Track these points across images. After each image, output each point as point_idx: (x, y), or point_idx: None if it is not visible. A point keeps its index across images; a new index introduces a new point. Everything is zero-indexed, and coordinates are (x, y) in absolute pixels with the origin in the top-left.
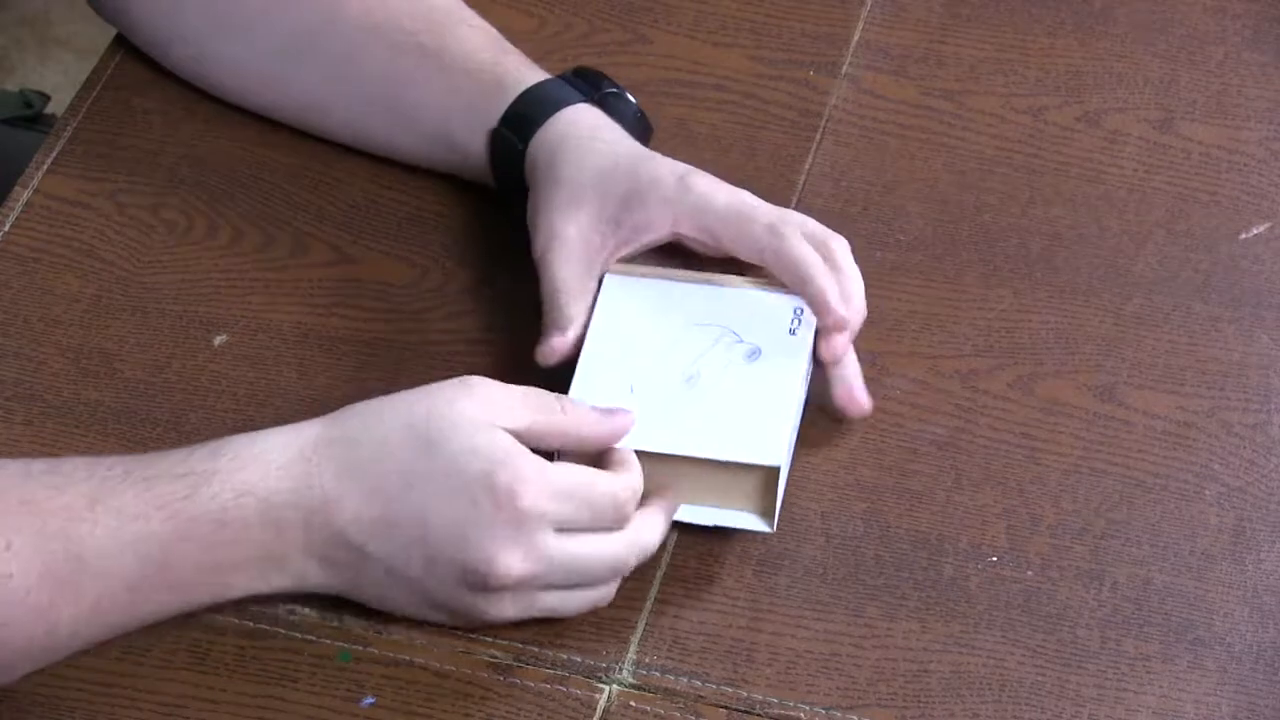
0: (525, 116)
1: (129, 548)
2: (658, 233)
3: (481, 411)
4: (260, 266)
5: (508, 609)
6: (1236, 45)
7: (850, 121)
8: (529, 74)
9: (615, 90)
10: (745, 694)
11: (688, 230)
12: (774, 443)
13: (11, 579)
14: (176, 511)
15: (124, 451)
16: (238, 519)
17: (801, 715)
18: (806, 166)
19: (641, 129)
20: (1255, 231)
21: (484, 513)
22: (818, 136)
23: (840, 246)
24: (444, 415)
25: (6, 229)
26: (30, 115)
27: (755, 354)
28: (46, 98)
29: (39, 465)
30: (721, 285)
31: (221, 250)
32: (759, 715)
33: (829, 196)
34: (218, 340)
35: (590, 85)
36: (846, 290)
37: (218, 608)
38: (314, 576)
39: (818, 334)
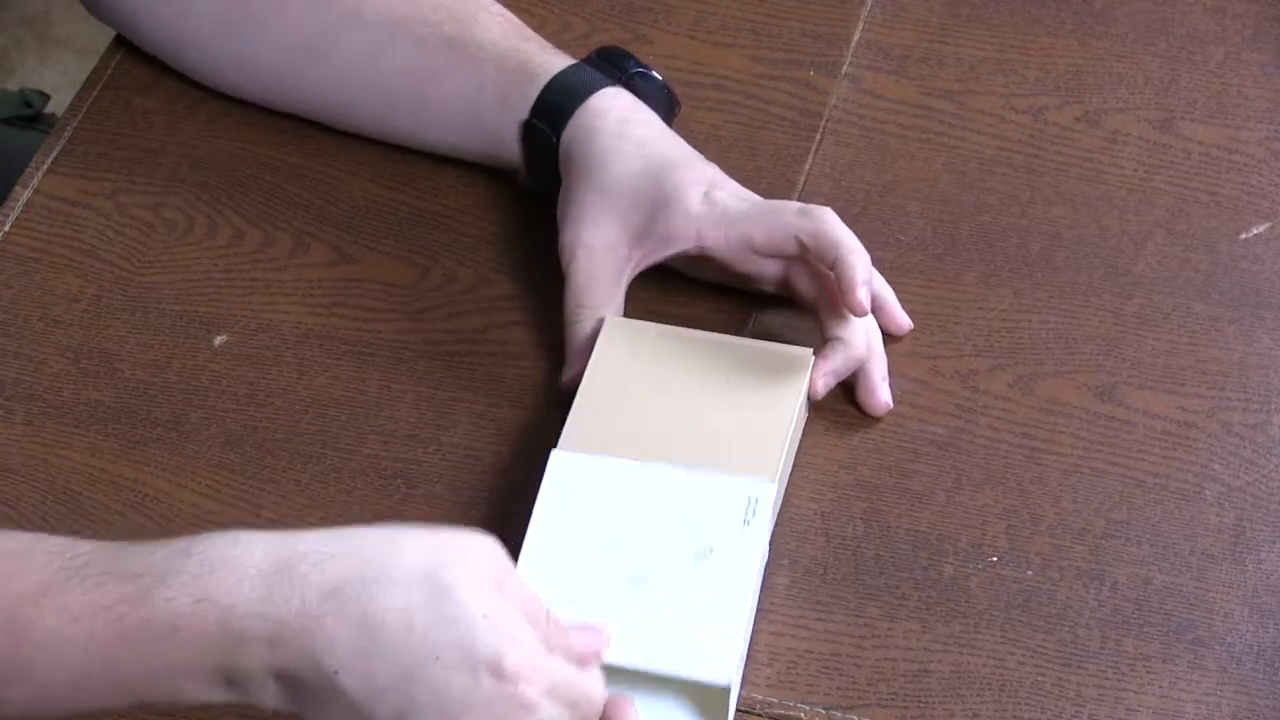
0: (556, 105)
1: (70, 645)
2: (683, 245)
3: (494, 573)
4: (260, 266)
5: None
6: (1236, 45)
7: (850, 121)
8: (555, 60)
9: (642, 69)
10: (745, 694)
11: (712, 241)
12: (725, 658)
13: None
14: (122, 615)
15: (123, 451)
16: (193, 626)
17: (801, 715)
18: (806, 166)
19: (669, 105)
20: (1255, 231)
21: (483, 692)
22: (818, 136)
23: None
24: (465, 567)
25: (6, 229)
26: (30, 115)
27: (705, 554)
28: (46, 97)
29: (10, 544)
30: (675, 466)
31: (221, 250)
32: (759, 715)
33: (829, 196)
34: (218, 340)
35: (616, 66)
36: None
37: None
38: (270, 699)
39: (843, 291)
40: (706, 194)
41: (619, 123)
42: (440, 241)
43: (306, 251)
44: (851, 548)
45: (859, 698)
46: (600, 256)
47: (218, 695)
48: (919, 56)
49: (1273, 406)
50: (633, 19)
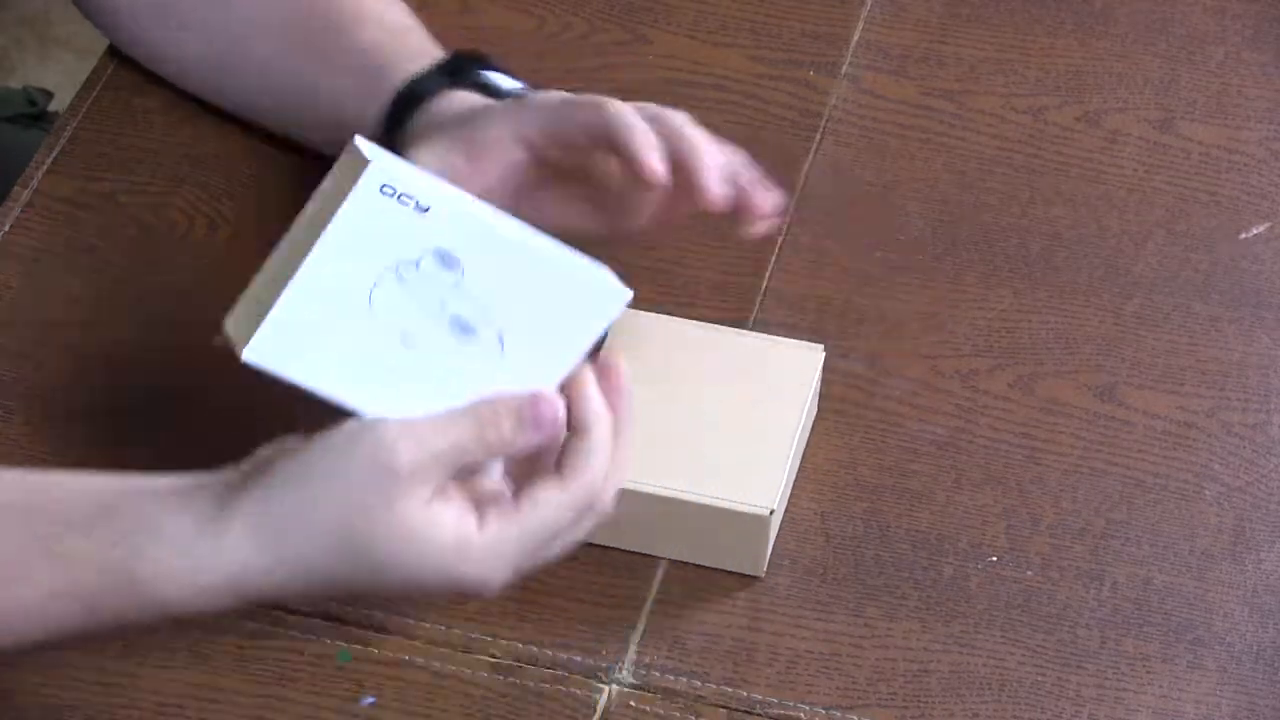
0: (401, 111)
1: (45, 616)
2: (506, 149)
3: (413, 509)
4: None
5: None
6: (1236, 45)
7: (850, 121)
8: (409, 67)
9: (492, 71)
10: (745, 694)
11: (535, 138)
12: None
13: None
14: (96, 607)
15: (123, 452)
16: (161, 616)
17: (801, 715)
18: (806, 166)
19: None
20: (1255, 231)
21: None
22: (818, 136)
23: (680, 116)
24: (385, 538)
25: (6, 229)
26: (35, 113)
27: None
28: (50, 95)
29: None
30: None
31: (221, 250)
32: (759, 715)
33: (829, 196)
34: (218, 340)
35: (460, 70)
36: (688, 149)
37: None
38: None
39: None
40: (520, 96)
41: (446, 108)
42: None
43: None
44: (851, 548)
45: (859, 698)
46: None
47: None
48: (919, 56)
49: (1273, 406)
50: (633, 19)
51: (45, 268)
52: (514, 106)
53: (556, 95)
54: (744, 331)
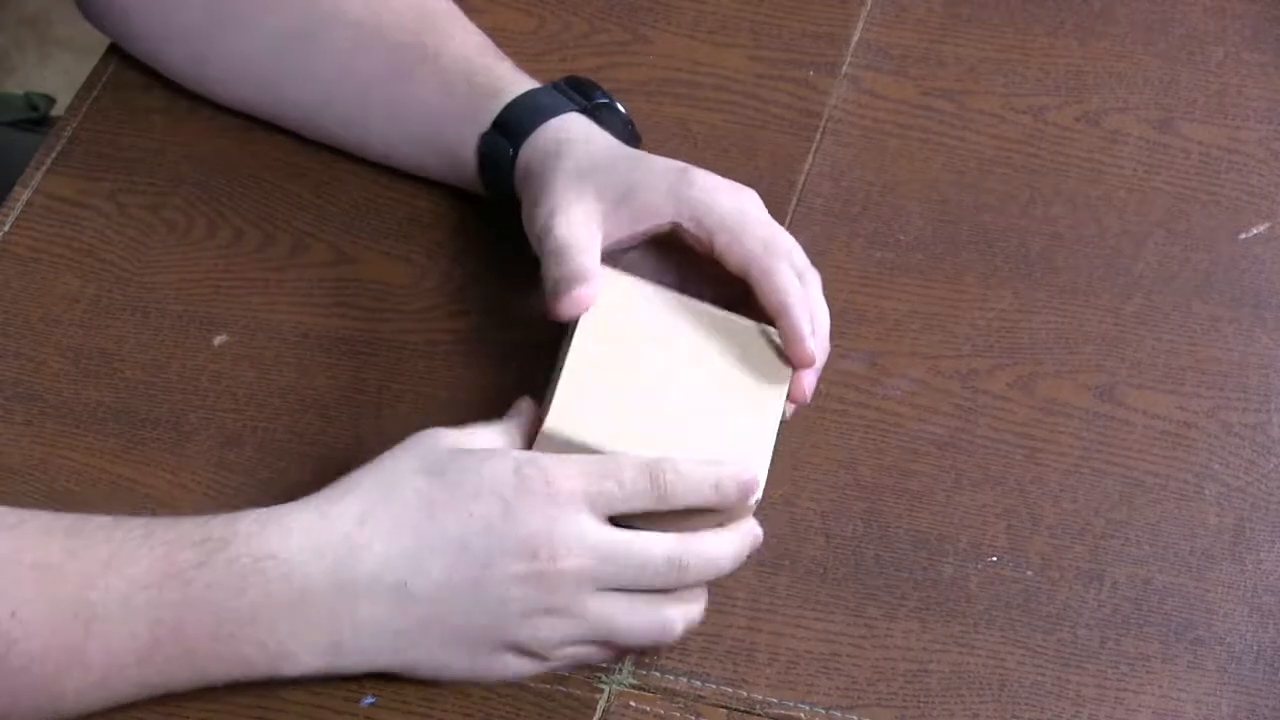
0: (517, 122)
1: (138, 614)
2: (659, 219)
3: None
4: (260, 266)
5: (562, 628)
6: (1236, 45)
7: (850, 121)
8: (522, 82)
9: (606, 100)
10: (745, 694)
11: (688, 223)
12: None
13: (16, 645)
14: (191, 579)
15: (123, 451)
16: (257, 584)
17: (801, 715)
18: (806, 166)
19: (630, 139)
20: (1255, 231)
21: (522, 501)
22: (818, 136)
23: (816, 281)
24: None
25: (6, 229)
26: (36, 118)
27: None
28: (51, 101)
29: (62, 523)
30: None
31: (221, 250)
32: (759, 715)
33: (829, 196)
34: (218, 340)
35: (582, 95)
36: (817, 326)
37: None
38: (349, 644)
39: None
40: (684, 171)
41: (584, 135)
42: (440, 241)
43: (306, 251)
44: (851, 548)
45: (859, 698)
46: (578, 214)
47: (287, 664)
48: (919, 56)
49: (1273, 406)
50: (633, 19)
51: (45, 268)
52: (680, 189)
53: (732, 203)
54: (738, 317)
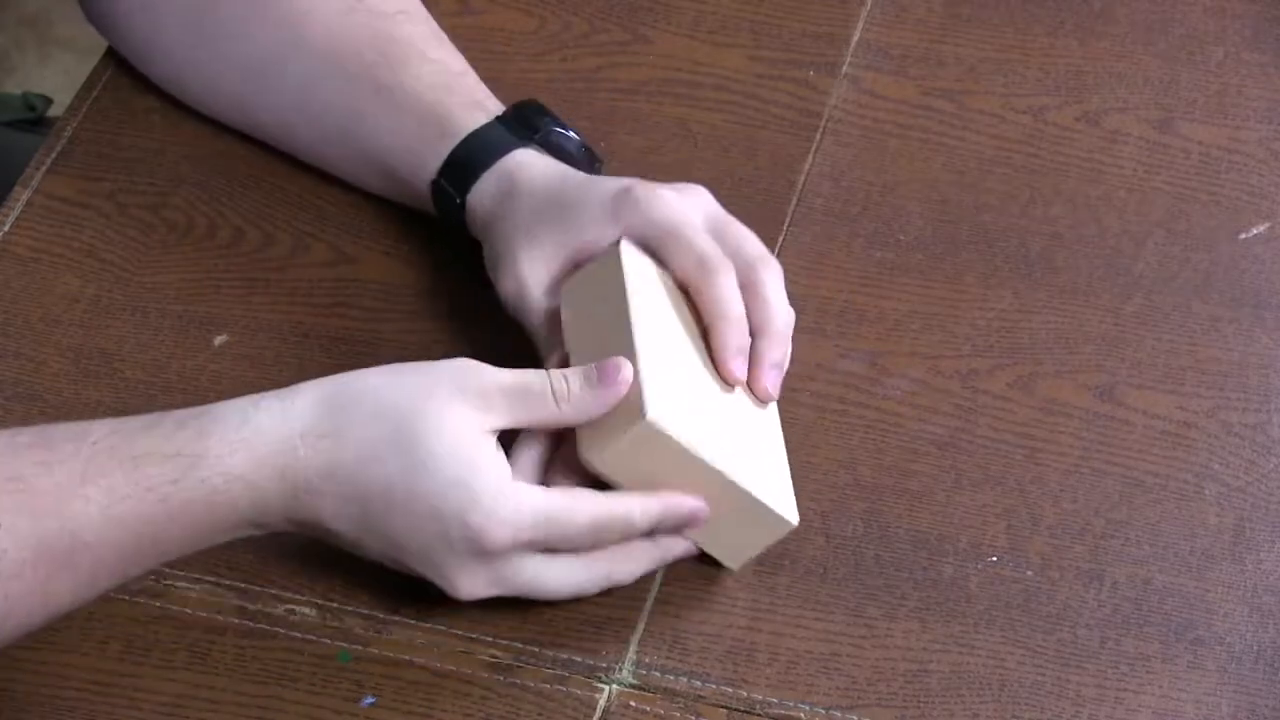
0: (462, 167)
1: (120, 524)
2: (603, 241)
3: (473, 419)
4: (260, 266)
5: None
6: (1236, 45)
7: (850, 121)
8: (469, 117)
9: (557, 128)
10: (745, 694)
11: (634, 240)
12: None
13: (6, 554)
14: (167, 495)
15: None
16: (226, 503)
17: (801, 715)
18: (806, 166)
19: (588, 162)
20: (1255, 231)
21: (453, 544)
22: (818, 136)
23: (770, 276)
24: (436, 431)
25: (6, 229)
26: (33, 118)
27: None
28: (49, 101)
29: (24, 437)
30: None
31: (221, 250)
32: (759, 715)
33: (829, 196)
34: (218, 340)
35: (529, 126)
36: (761, 322)
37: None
38: (288, 531)
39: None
40: (626, 189)
41: (527, 180)
42: (440, 242)
43: (306, 251)
44: (851, 548)
45: (859, 698)
46: (546, 286)
47: (240, 535)
48: (919, 56)
49: (1273, 406)
50: (633, 19)
51: (45, 268)
52: (621, 212)
53: (667, 216)
54: None
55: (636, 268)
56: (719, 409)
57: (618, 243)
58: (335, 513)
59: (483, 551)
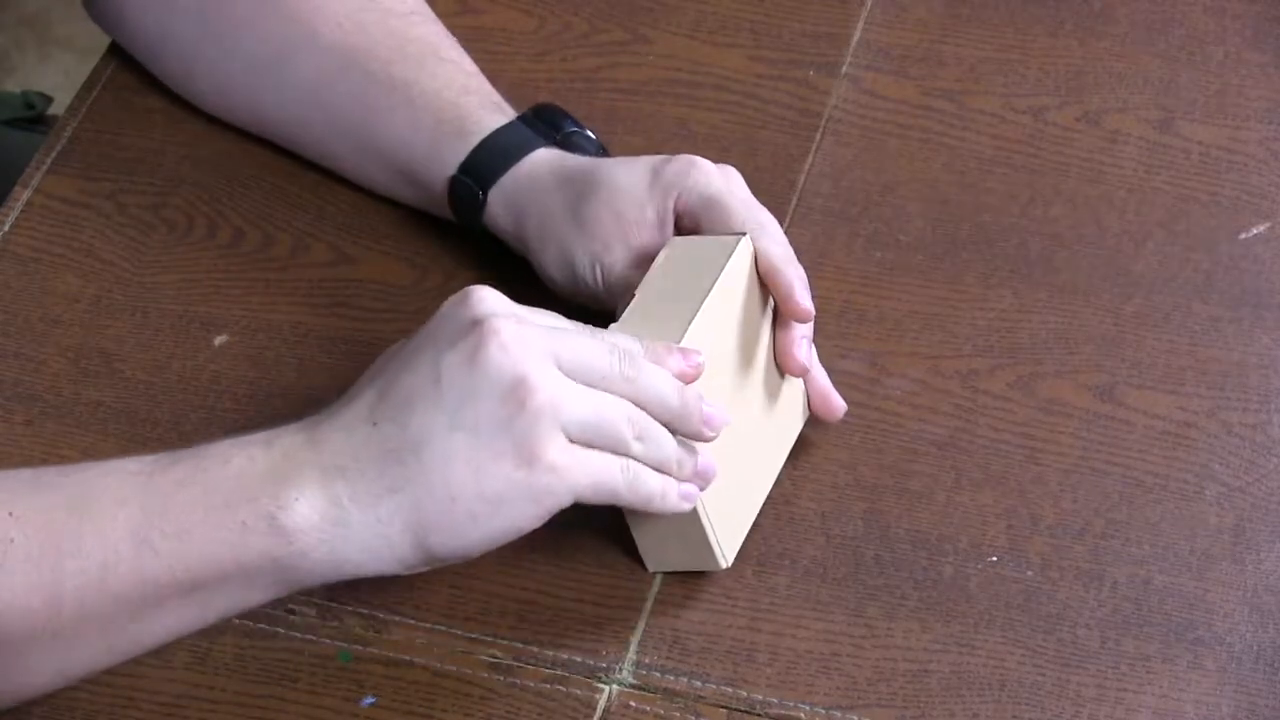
0: (485, 166)
1: (130, 499)
2: (644, 208)
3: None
4: (260, 266)
5: (563, 459)
6: (1236, 45)
7: (850, 121)
8: (490, 118)
9: (576, 129)
10: (745, 694)
11: (675, 203)
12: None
13: (13, 544)
14: (179, 457)
15: (122, 451)
16: (241, 455)
17: (801, 715)
18: (806, 166)
19: None
20: (1255, 231)
21: (478, 390)
22: (818, 136)
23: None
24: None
25: (6, 229)
26: (32, 116)
27: None
28: (49, 99)
29: (26, 474)
30: None
31: (221, 250)
32: (759, 715)
33: (829, 196)
34: (218, 340)
35: (550, 125)
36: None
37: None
38: (340, 491)
39: (780, 348)
40: (664, 161)
41: (557, 173)
42: (440, 241)
43: (306, 251)
44: (851, 548)
45: (859, 698)
46: (608, 265)
47: (285, 518)
48: (919, 56)
49: (1273, 406)
50: (633, 19)
51: (45, 268)
52: (664, 188)
53: (708, 183)
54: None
55: (740, 266)
56: (730, 431)
57: (744, 234)
58: (370, 403)
59: (501, 369)
